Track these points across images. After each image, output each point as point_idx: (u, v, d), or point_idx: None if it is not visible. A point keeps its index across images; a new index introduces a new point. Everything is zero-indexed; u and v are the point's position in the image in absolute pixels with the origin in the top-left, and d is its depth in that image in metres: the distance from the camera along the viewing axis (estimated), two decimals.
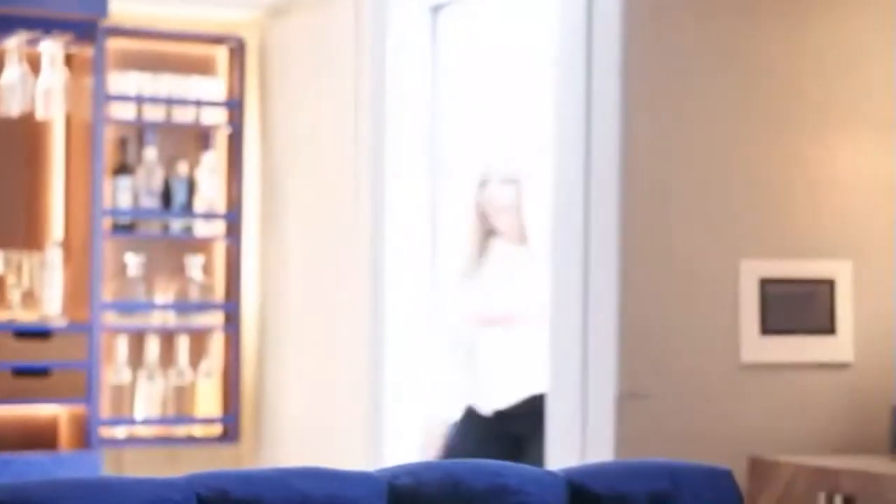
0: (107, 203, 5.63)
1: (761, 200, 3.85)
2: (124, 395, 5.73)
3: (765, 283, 4.05)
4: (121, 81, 5.74)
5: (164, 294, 5.83)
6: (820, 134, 4.15)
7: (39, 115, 5.64)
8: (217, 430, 5.91)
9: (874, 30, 4.23)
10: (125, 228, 5.75)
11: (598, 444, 3.95)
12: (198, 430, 5.88)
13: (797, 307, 4.07)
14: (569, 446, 4.04)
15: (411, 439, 4.99)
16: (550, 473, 2.20)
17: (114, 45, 5.73)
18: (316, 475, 2.11)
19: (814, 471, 3.62)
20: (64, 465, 5.47)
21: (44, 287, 5.62)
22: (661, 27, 3.99)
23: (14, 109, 5.57)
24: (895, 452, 4.01)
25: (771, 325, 4.03)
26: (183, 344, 5.83)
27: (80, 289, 5.62)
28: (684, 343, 3.98)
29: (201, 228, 5.88)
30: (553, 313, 4.20)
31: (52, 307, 5.62)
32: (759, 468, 3.77)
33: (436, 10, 5.18)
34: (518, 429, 4.38)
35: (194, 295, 5.83)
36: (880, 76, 4.23)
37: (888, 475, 3.54)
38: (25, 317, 5.60)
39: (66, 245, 5.71)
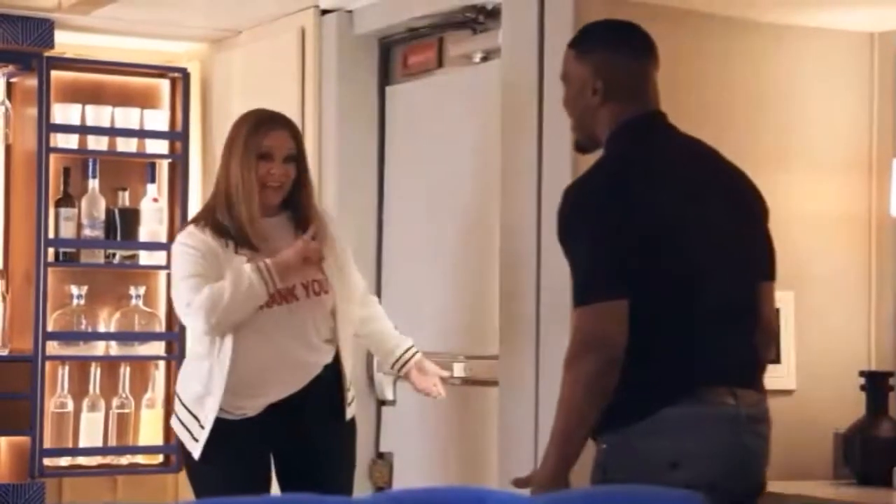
0: (49, 233, 5.63)
1: None
2: (67, 425, 5.72)
3: None
4: (64, 112, 5.75)
5: (106, 324, 5.84)
6: (766, 169, 4.25)
7: None
8: (159, 459, 5.92)
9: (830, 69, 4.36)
10: (68, 258, 5.75)
11: None
12: (140, 459, 5.88)
13: None
14: None
15: None
16: (529, 499, 2.26)
17: (57, 75, 5.74)
18: (301, 502, 2.16)
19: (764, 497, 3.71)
20: (6, 496, 5.45)
21: None
22: None
23: None
24: (838, 478, 4.11)
25: None
26: (125, 373, 5.83)
27: (23, 319, 5.61)
28: None
29: (144, 258, 5.89)
30: (504, 352, 4.28)
31: None
32: None
33: (383, 40, 5.24)
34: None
35: (137, 325, 5.84)
36: (835, 116, 4.36)
37: (836, 500, 3.63)
38: None
39: (8, 275, 5.71)
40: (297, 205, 4.25)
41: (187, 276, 4.17)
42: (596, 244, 3.08)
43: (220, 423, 4.16)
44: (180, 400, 4.27)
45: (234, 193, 4.16)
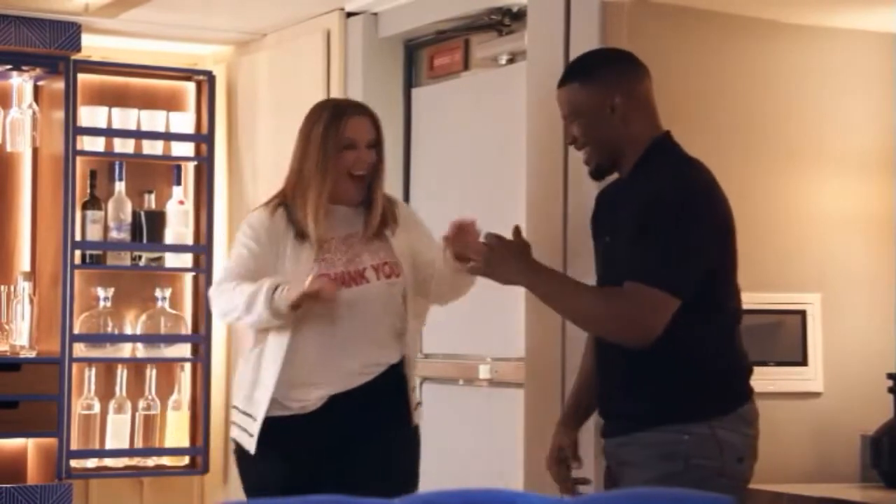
0: (76, 236, 5.65)
1: None
2: (94, 427, 5.74)
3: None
4: (90, 115, 5.77)
5: (133, 326, 5.86)
6: (791, 170, 4.25)
7: (8, 148, 5.68)
8: (185, 461, 5.93)
9: (851, 68, 4.34)
10: (94, 261, 5.77)
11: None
12: (166, 461, 5.90)
13: (769, 339, 4.16)
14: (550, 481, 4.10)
15: None
16: (562, 501, 2.27)
17: (84, 78, 5.76)
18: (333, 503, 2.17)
19: (792, 499, 3.71)
20: (34, 497, 5.48)
21: (13, 319, 5.63)
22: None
23: None
24: (865, 481, 4.10)
25: None
26: (152, 375, 5.85)
27: (50, 321, 5.64)
28: None
29: (170, 261, 5.91)
30: (531, 354, 4.28)
31: (21, 339, 5.63)
32: None
33: (409, 42, 5.25)
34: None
35: (163, 327, 5.86)
36: (859, 116, 4.34)
37: None
38: None
39: (35, 277, 5.73)
40: (371, 196, 4.04)
41: (230, 256, 4.07)
42: (693, 241, 3.17)
43: (273, 422, 3.93)
44: (235, 406, 4.06)
45: (307, 180, 3.95)
